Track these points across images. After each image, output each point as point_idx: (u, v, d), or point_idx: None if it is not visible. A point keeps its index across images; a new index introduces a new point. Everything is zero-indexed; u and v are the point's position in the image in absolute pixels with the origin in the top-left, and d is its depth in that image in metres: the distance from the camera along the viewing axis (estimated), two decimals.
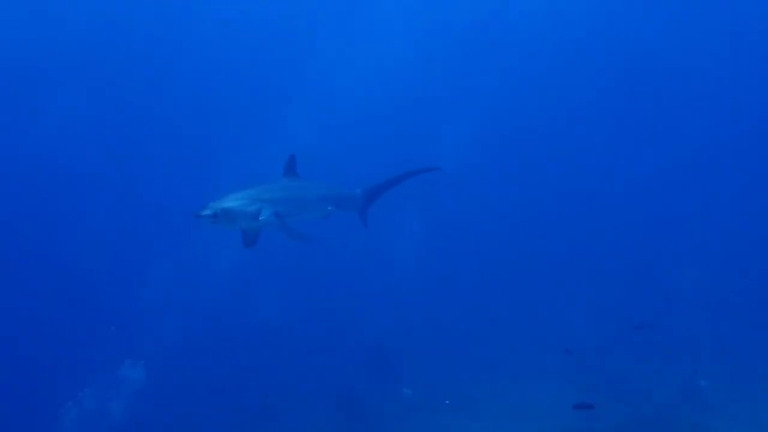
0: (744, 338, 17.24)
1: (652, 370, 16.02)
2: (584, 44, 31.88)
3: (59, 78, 26.11)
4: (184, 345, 16.34)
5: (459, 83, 30.93)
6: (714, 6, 30.79)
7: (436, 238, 23.94)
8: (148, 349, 14.61)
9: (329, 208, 8.30)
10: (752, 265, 21.10)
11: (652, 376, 15.71)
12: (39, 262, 21.03)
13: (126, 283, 19.19)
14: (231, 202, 7.45)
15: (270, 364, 16.81)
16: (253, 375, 16.50)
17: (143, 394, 13.69)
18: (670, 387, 14.97)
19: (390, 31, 30.98)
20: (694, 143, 30.40)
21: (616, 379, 15.48)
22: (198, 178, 21.25)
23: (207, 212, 7.23)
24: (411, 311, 19.47)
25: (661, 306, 19.35)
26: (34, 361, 17.06)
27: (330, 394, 15.17)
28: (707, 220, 26.16)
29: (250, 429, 14.66)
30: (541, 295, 21.08)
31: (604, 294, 20.15)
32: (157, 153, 25.69)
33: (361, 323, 18.58)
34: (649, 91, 31.70)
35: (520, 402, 14.96)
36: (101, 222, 22.12)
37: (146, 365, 14.00)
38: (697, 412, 13.61)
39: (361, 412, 14.62)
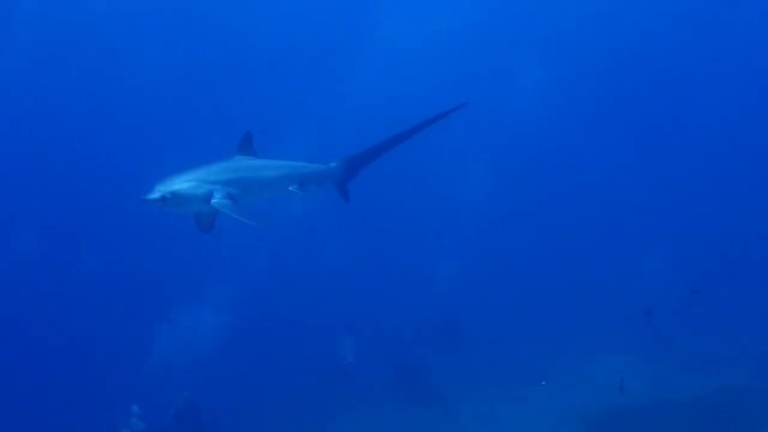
0: None
1: (729, 339, 15.49)
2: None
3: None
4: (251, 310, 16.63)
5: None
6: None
7: (503, 213, 23.61)
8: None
9: (290, 187, 7.52)
10: None
11: (729, 345, 15.16)
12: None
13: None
14: (180, 183, 6.80)
15: (332, 332, 16.85)
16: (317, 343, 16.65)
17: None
18: (748, 356, 14.44)
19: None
20: None
21: (693, 349, 15.05)
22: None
23: (155, 195, 6.62)
24: (479, 283, 19.27)
25: (733, 272, 18.63)
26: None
27: (391, 363, 15.23)
28: None
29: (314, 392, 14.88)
30: (611, 266, 20.61)
31: (677, 262, 19.47)
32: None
33: (428, 294, 18.43)
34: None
35: (590, 373, 14.65)
36: None
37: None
38: None
39: (423, 383, 14.62)
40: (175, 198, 6.70)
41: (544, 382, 13.77)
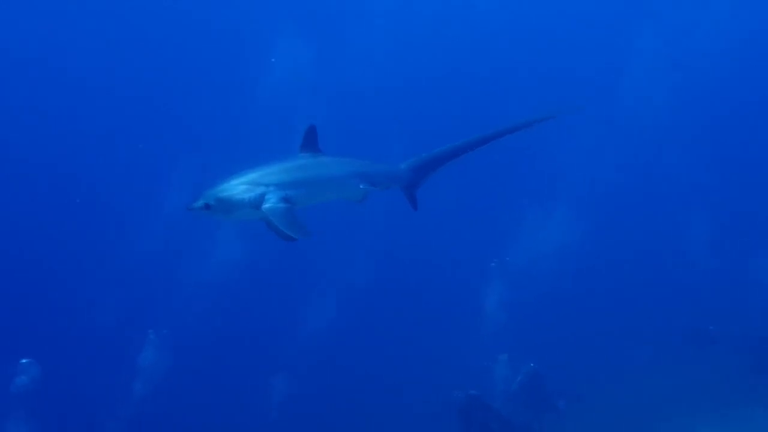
0: None
1: None
2: None
3: None
4: None
5: None
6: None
7: None
8: None
9: (361, 186, 6.58)
10: None
11: None
12: None
13: None
14: (229, 188, 6.07)
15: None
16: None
17: None
18: None
19: None
20: None
21: None
22: None
23: (198, 204, 5.95)
24: None
25: None
26: None
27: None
28: None
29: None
30: None
31: None
32: None
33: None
34: None
35: None
36: None
37: None
38: None
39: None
40: (221, 205, 5.95)
41: None
